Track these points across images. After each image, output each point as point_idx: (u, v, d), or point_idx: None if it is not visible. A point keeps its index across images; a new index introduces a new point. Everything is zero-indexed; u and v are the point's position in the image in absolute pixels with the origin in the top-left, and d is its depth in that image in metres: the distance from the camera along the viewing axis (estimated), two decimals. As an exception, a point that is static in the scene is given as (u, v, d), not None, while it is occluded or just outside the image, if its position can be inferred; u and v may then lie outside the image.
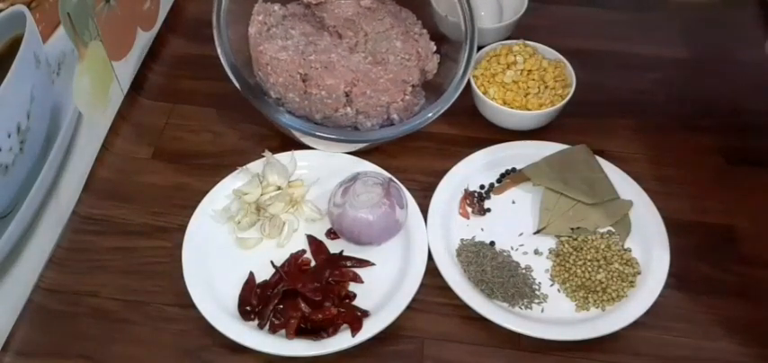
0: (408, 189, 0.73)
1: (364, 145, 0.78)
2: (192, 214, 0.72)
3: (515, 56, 0.82)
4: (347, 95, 0.75)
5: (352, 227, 0.68)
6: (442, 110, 0.76)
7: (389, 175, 0.73)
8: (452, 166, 0.76)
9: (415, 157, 0.80)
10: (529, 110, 0.79)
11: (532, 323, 0.65)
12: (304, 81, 0.76)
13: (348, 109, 0.76)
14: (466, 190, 0.75)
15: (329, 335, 0.63)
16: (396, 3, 0.86)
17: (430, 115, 0.75)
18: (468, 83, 0.81)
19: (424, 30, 0.84)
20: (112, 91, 0.81)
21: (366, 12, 0.83)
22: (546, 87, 0.80)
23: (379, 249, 0.70)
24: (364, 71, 0.77)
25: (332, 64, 0.77)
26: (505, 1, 0.93)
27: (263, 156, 0.75)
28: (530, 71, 0.81)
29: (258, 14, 0.80)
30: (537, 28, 0.89)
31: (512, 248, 0.71)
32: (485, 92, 0.80)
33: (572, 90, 0.80)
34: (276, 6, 0.82)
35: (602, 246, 0.69)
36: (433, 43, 0.82)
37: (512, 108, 0.79)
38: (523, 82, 0.81)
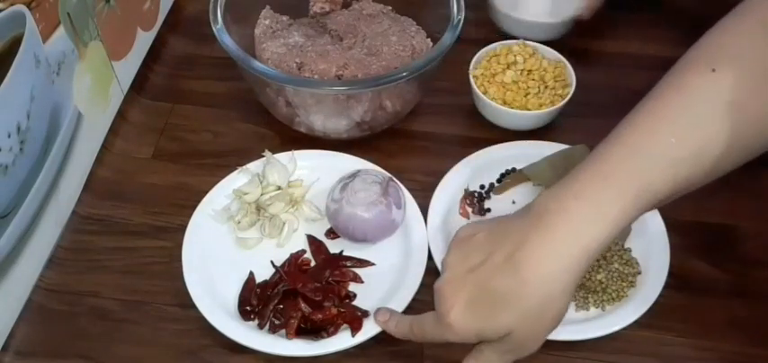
0: (408, 188, 0.73)
1: (361, 131, 0.78)
2: (191, 214, 0.72)
3: (515, 56, 0.82)
4: (339, 79, 0.77)
5: (347, 223, 0.69)
6: (439, 55, 0.75)
7: (390, 175, 0.73)
8: (452, 166, 0.76)
9: (415, 157, 0.80)
10: (529, 110, 0.79)
11: (532, 323, 0.65)
12: (300, 69, 0.78)
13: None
14: (466, 190, 0.75)
15: (329, 335, 0.63)
16: (397, 13, 0.87)
17: (423, 63, 0.74)
18: (468, 83, 0.81)
19: (422, 30, 0.84)
20: (112, 91, 0.81)
21: (367, 17, 0.86)
22: (546, 87, 0.81)
23: (380, 249, 0.70)
24: (358, 58, 0.79)
25: (327, 52, 0.79)
26: None
27: (263, 156, 0.76)
28: (530, 71, 0.81)
29: (265, 19, 0.84)
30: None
31: (512, 248, 0.71)
32: (485, 92, 0.80)
33: (572, 90, 0.80)
34: (284, 17, 0.86)
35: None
36: (429, 40, 0.83)
37: (512, 108, 0.79)
38: (523, 82, 0.81)
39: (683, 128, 0.50)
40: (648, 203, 0.51)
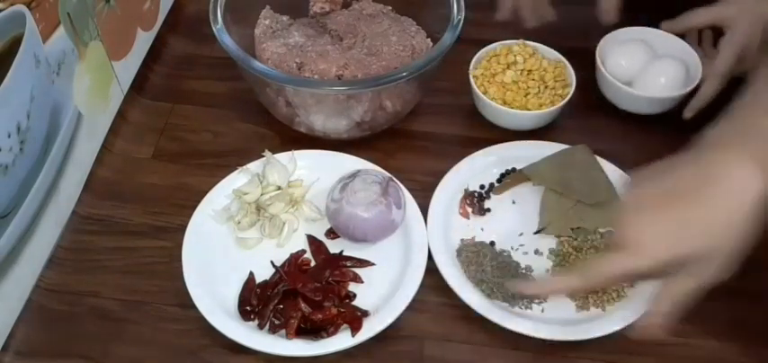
0: (408, 188, 0.73)
1: (361, 130, 0.78)
2: (192, 214, 0.71)
3: (515, 56, 0.82)
4: (339, 79, 0.77)
5: (347, 223, 0.69)
6: (439, 55, 0.75)
7: (390, 175, 0.73)
8: (452, 166, 0.76)
9: (415, 157, 0.80)
10: (529, 110, 0.79)
11: (532, 322, 0.65)
12: (300, 69, 0.78)
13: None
14: (466, 190, 0.75)
15: (329, 335, 0.63)
16: (397, 13, 0.87)
17: (423, 63, 0.74)
18: (468, 83, 0.81)
19: (422, 30, 0.84)
20: (112, 91, 0.81)
21: (367, 18, 0.86)
22: (546, 87, 0.80)
23: (379, 249, 0.70)
24: (358, 58, 0.79)
25: (326, 52, 0.79)
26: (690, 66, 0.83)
27: (263, 156, 0.76)
28: (530, 71, 0.81)
29: (265, 19, 0.85)
30: (537, 28, 0.89)
31: (512, 248, 0.71)
32: (485, 92, 0.80)
33: (572, 90, 0.80)
34: (284, 17, 0.86)
35: (603, 246, 0.69)
36: (429, 40, 0.83)
37: (512, 108, 0.79)
38: (523, 82, 0.81)
39: None
40: None
